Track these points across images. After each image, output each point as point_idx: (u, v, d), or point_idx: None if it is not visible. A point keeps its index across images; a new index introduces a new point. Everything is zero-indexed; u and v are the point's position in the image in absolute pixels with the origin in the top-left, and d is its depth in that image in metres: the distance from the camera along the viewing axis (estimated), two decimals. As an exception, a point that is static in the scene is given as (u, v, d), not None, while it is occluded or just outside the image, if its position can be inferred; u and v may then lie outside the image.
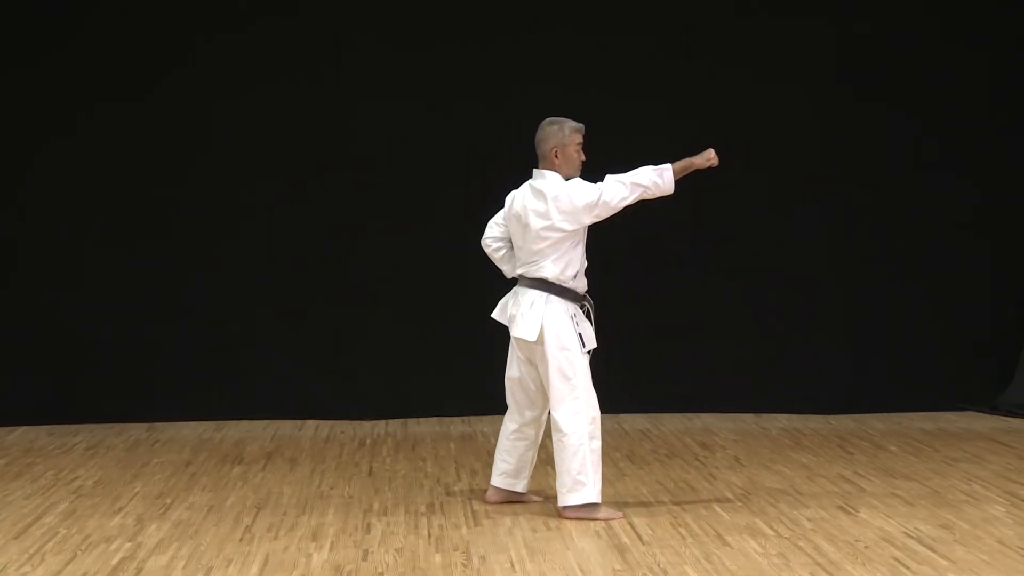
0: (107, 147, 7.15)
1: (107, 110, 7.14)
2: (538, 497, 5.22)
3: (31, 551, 4.55)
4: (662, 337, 7.37)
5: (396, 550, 4.56)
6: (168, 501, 5.31)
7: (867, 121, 7.39)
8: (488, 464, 6.04)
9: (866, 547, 4.57)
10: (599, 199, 4.92)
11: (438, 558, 4.46)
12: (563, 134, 5.01)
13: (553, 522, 4.94)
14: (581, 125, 5.05)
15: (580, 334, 4.99)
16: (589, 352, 5.03)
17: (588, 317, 5.08)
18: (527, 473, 5.18)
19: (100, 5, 7.11)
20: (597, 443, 4.95)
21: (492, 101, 7.17)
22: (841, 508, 5.15)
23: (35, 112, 7.11)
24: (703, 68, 7.26)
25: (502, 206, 5.17)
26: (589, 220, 4.97)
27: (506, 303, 5.13)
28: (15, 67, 7.07)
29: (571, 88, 6.98)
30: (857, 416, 7.27)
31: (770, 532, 4.79)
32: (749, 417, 7.29)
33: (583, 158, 5.05)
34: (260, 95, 7.18)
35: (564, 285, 4.99)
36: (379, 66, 7.20)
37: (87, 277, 7.15)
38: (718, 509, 5.13)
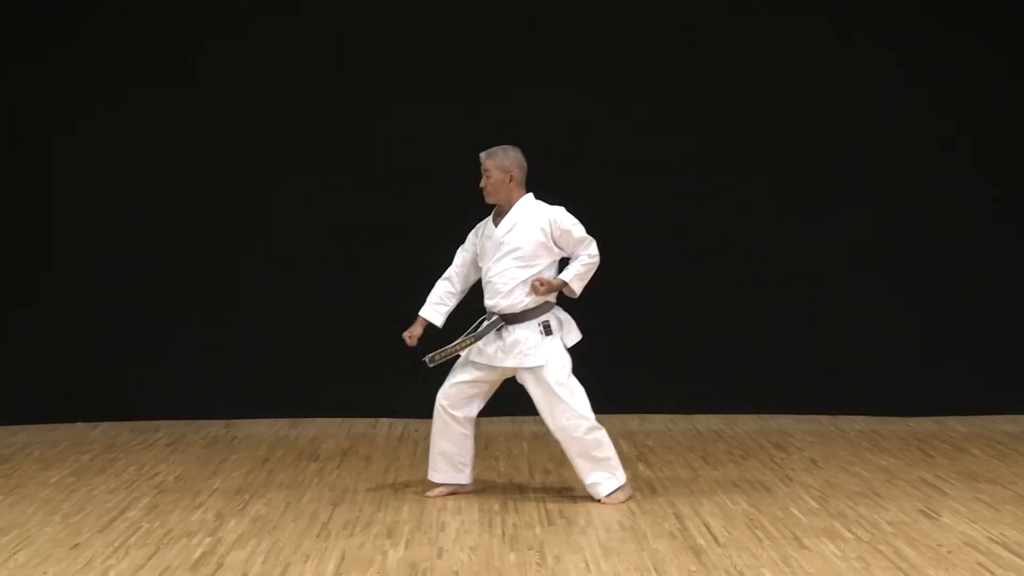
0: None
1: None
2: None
3: (116, 544, 4.65)
4: (736, 337, 7.30)
5: (471, 548, 4.58)
6: (247, 497, 5.39)
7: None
8: (561, 463, 6.05)
9: (949, 552, 4.48)
10: None
11: (512, 557, 4.47)
12: None
13: (628, 522, 4.92)
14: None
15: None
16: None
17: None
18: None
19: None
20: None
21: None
22: (922, 512, 5.05)
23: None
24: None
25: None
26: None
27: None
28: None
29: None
30: (938, 418, 7.12)
31: (849, 535, 4.71)
32: (825, 419, 7.18)
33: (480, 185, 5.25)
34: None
35: None
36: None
37: (168, 277, 7.28)
38: (795, 511, 5.07)
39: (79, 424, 7.13)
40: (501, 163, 5.19)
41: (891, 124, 7.27)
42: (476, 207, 5.42)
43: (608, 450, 5.23)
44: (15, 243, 7.22)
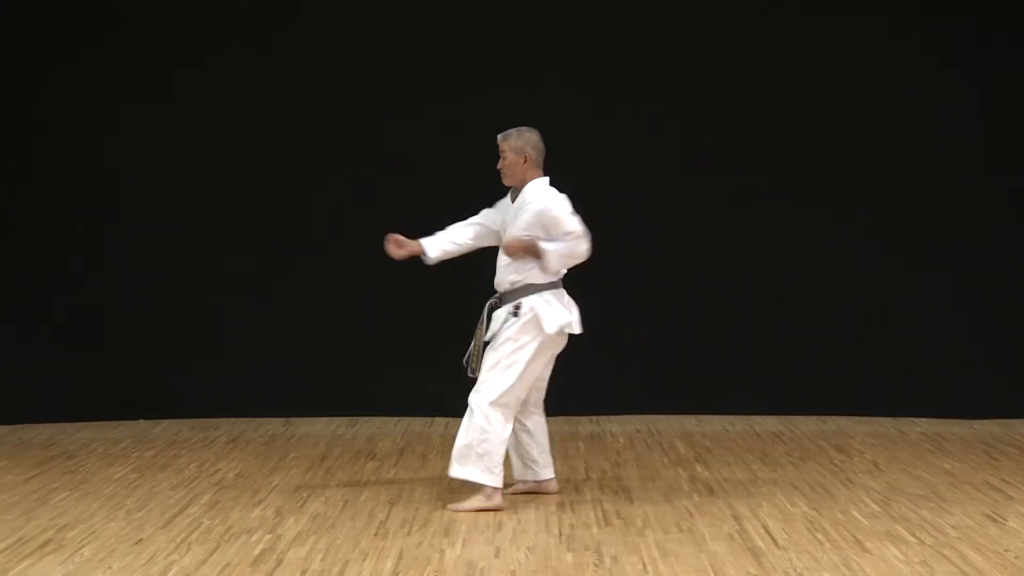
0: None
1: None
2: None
3: (178, 540, 4.72)
4: (795, 338, 7.22)
5: (528, 548, 4.58)
6: (305, 495, 5.43)
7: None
8: (617, 463, 6.02)
9: (1016, 557, 4.39)
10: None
11: (569, 557, 4.46)
12: None
13: (685, 523, 4.89)
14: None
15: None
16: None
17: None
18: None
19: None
20: None
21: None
22: (988, 516, 4.96)
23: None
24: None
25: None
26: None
27: (562, 307, 5.19)
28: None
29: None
30: (1003, 421, 6.99)
31: (912, 539, 4.64)
32: (887, 421, 7.08)
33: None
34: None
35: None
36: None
37: (225, 278, 7.36)
38: (856, 514, 5.00)
39: (141, 421, 7.24)
40: (515, 144, 5.23)
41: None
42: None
43: (489, 446, 5.07)
44: (72, 245, 7.34)
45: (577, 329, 5.24)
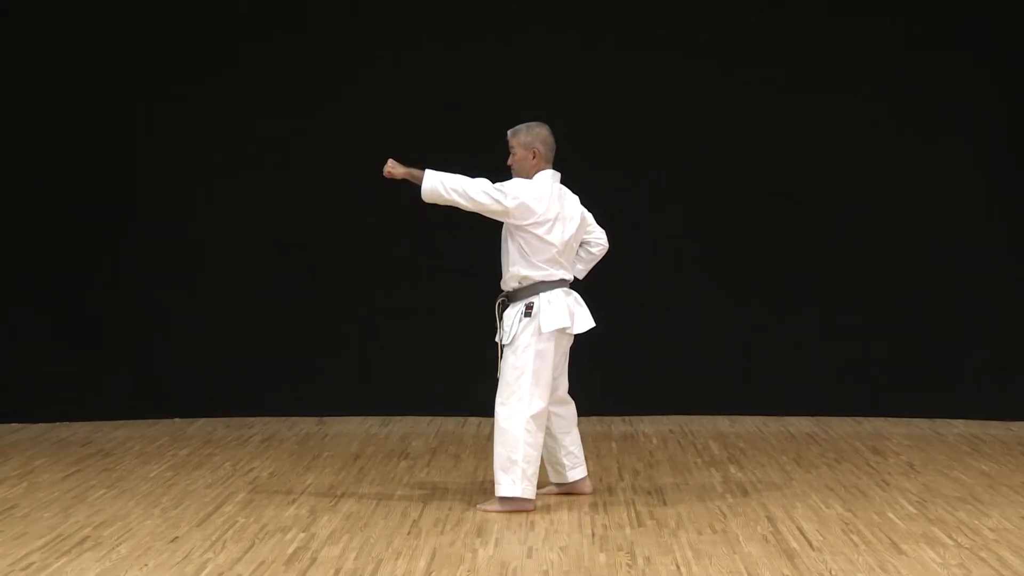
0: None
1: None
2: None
3: (213, 538, 4.75)
4: (829, 338, 7.17)
5: (560, 548, 4.57)
6: (339, 493, 5.46)
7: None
8: (650, 464, 6.00)
9: (1055, 561, 4.34)
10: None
11: (602, 557, 4.45)
12: None
13: (719, 524, 4.86)
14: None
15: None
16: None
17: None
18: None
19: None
20: None
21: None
22: (1026, 519, 4.90)
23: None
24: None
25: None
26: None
27: (565, 307, 5.12)
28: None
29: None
30: (1041, 423, 6.92)
31: (949, 542, 4.59)
32: (923, 422, 7.01)
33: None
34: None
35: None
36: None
37: (260, 277, 7.41)
38: (892, 516, 4.95)
39: (177, 420, 7.30)
40: (524, 140, 5.19)
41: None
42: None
43: (518, 454, 5.02)
44: (108, 242, 7.39)
45: (578, 328, 5.18)
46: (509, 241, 5.19)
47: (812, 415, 7.15)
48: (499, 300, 5.25)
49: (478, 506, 5.14)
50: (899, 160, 7.16)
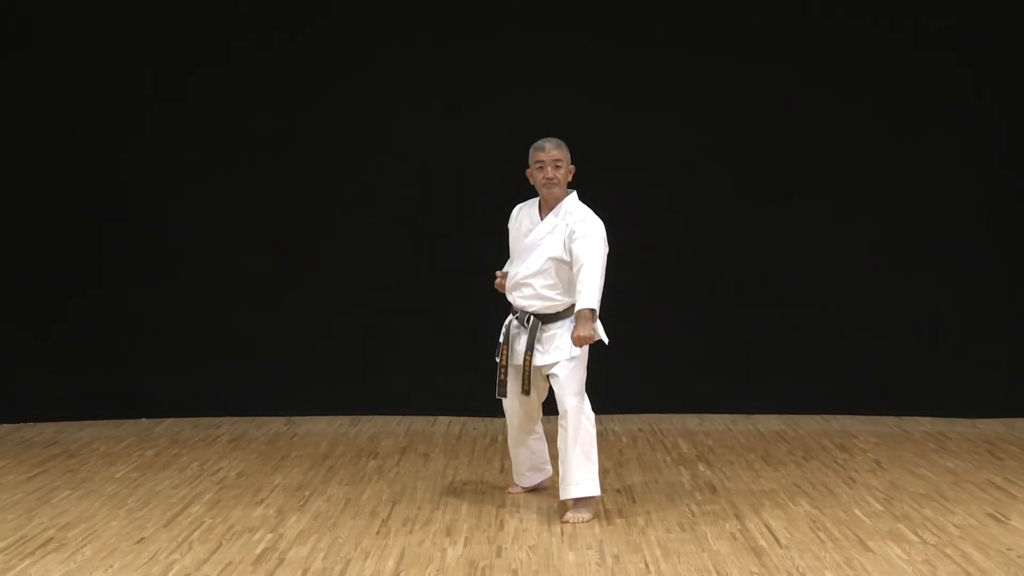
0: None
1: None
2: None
3: (179, 539, 4.71)
4: (797, 337, 7.21)
5: (530, 547, 4.57)
6: (307, 493, 5.43)
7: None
8: (620, 463, 6.02)
9: (1019, 556, 4.38)
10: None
11: (571, 556, 4.45)
12: (530, 157, 4.98)
13: (688, 523, 4.88)
14: (539, 143, 4.93)
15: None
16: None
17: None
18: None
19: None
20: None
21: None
22: (991, 515, 4.94)
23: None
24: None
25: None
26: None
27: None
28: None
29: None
30: (1007, 420, 6.98)
31: (915, 538, 4.63)
32: (889, 420, 7.07)
33: (544, 176, 4.90)
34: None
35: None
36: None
37: (228, 277, 7.35)
38: (859, 513, 4.99)
39: (143, 420, 7.24)
40: (567, 154, 4.93)
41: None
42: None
43: (594, 453, 4.96)
44: (76, 240, 7.33)
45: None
46: (565, 270, 4.92)
47: (781, 413, 7.18)
48: (518, 320, 4.98)
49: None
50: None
